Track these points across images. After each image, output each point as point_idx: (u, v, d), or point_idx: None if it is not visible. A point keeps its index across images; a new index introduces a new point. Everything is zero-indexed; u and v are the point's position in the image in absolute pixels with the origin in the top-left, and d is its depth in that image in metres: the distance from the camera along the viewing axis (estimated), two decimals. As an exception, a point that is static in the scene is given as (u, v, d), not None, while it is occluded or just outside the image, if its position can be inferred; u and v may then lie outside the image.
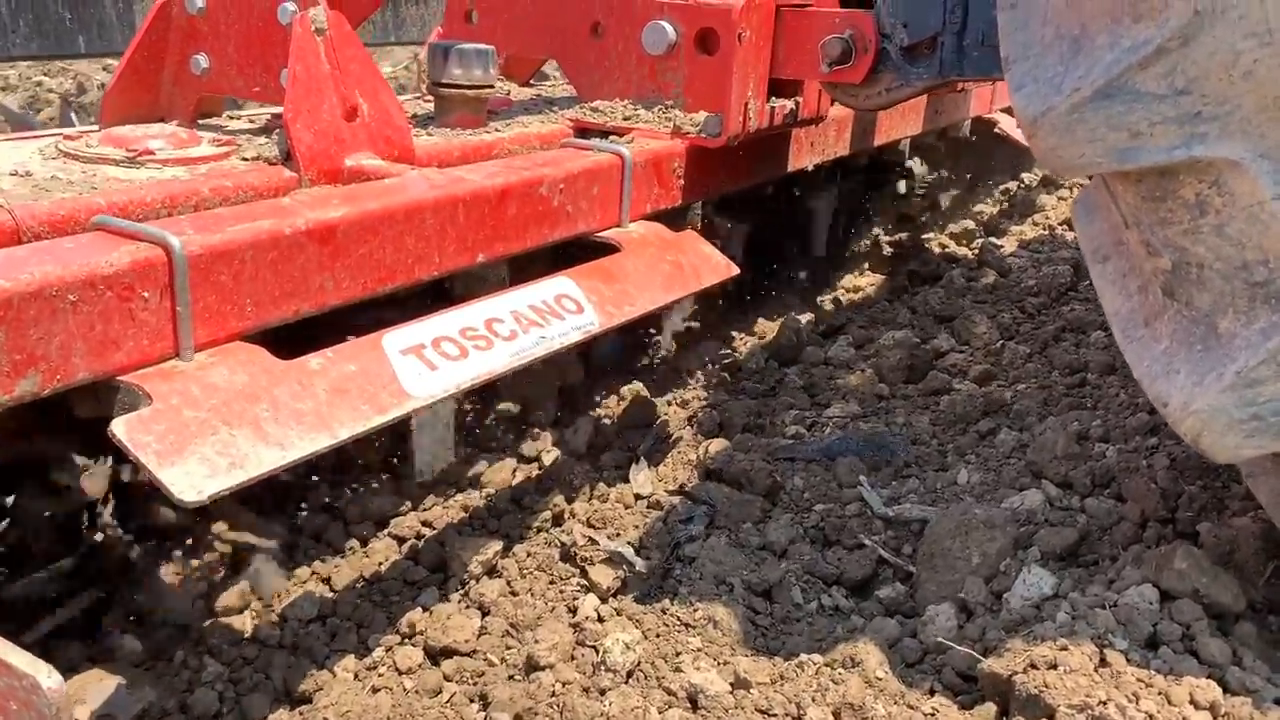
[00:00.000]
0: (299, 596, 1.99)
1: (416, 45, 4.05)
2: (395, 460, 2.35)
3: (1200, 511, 1.95)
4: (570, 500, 2.27)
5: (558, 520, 2.19)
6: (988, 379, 2.88)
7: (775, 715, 1.63)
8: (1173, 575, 1.73)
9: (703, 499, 2.24)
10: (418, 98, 2.80)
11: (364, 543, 2.16)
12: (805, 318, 3.46)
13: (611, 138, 2.38)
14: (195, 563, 2.03)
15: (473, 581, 2.01)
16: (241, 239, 1.44)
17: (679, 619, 1.85)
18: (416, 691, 1.75)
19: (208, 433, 1.30)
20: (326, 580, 2.06)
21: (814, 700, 1.64)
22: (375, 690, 1.75)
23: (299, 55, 1.88)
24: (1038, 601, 1.78)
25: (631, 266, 2.12)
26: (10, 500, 1.71)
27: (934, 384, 2.85)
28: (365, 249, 1.64)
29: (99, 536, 1.90)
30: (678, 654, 1.76)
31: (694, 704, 1.66)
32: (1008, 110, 4.38)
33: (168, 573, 2.00)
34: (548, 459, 2.45)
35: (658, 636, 1.82)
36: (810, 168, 3.06)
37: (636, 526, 2.14)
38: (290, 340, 1.54)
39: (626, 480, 2.34)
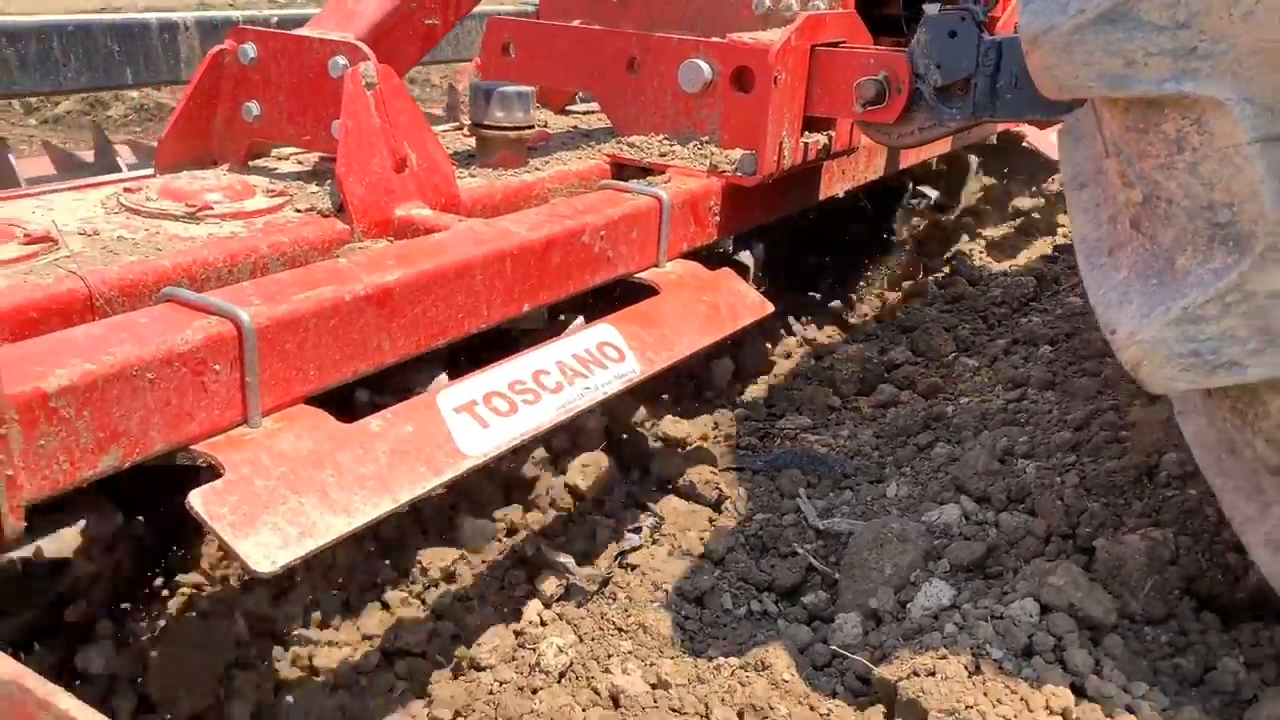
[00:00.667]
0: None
1: (450, 63, 4.08)
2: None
3: (1099, 528, 2.05)
4: (526, 511, 2.39)
5: (512, 531, 2.33)
6: (934, 392, 2.99)
7: (687, 714, 1.77)
8: (1051, 590, 1.84)
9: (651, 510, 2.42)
10: (456, 128, 2.86)
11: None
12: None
13: (649, 179, 2.43)
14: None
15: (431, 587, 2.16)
16: (305, 308, 1.50)
17: (614, 624, 1.99)
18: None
19: (278, 502, 1.36)
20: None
21: (722, 701, 1.79)
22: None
23: (350, 110, 1.94)
24: (935, 612, 1.89)
25: (670, 309, 2.17)
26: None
27: (882, 397, 2.98)
28: (419, 308, 1.70)
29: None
30: (609, 656, 1.91)
31: (615, 703, 1.81)
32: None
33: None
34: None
35: (593, 640, 1.96)
36: (841, 194, 3.11)
37: (587, 536, 2.32)
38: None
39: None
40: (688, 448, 2.72)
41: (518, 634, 1.99)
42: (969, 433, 2.63)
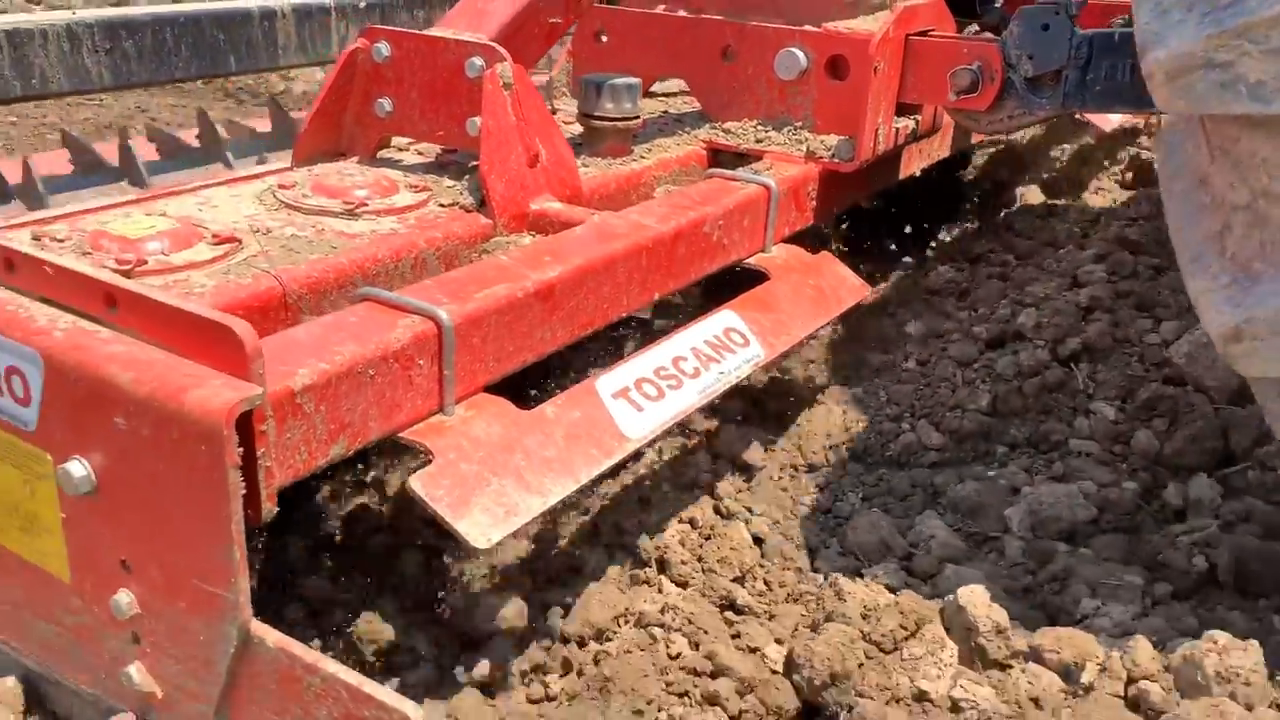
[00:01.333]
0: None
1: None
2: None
3: None
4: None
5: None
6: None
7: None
8: None
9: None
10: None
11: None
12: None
13: (752, 166, 2.54)
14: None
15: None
16: (488, 305, 1.63)
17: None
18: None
19: (482, 484, 1.50)
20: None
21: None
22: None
23: (490, 110, 2.06)
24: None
25: (781, 294, 2.30)
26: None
27: None
28: (575, 300, 1.83)
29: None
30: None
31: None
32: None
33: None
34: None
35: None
36: (918, 173, 3.21)
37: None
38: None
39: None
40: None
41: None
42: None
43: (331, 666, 1.26)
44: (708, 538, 2.09)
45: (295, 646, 1.29)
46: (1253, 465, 2.24)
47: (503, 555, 2.04)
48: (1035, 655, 1.74)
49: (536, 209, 2.11)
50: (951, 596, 1.82)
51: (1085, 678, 1.70)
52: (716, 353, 2.02)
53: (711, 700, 1.69)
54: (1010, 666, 1.74)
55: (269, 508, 1.33)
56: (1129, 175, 4.26)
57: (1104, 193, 4.22)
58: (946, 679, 1.69)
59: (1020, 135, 4.31)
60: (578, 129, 2.59)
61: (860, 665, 1.70)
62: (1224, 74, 1.51)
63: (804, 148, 2.62)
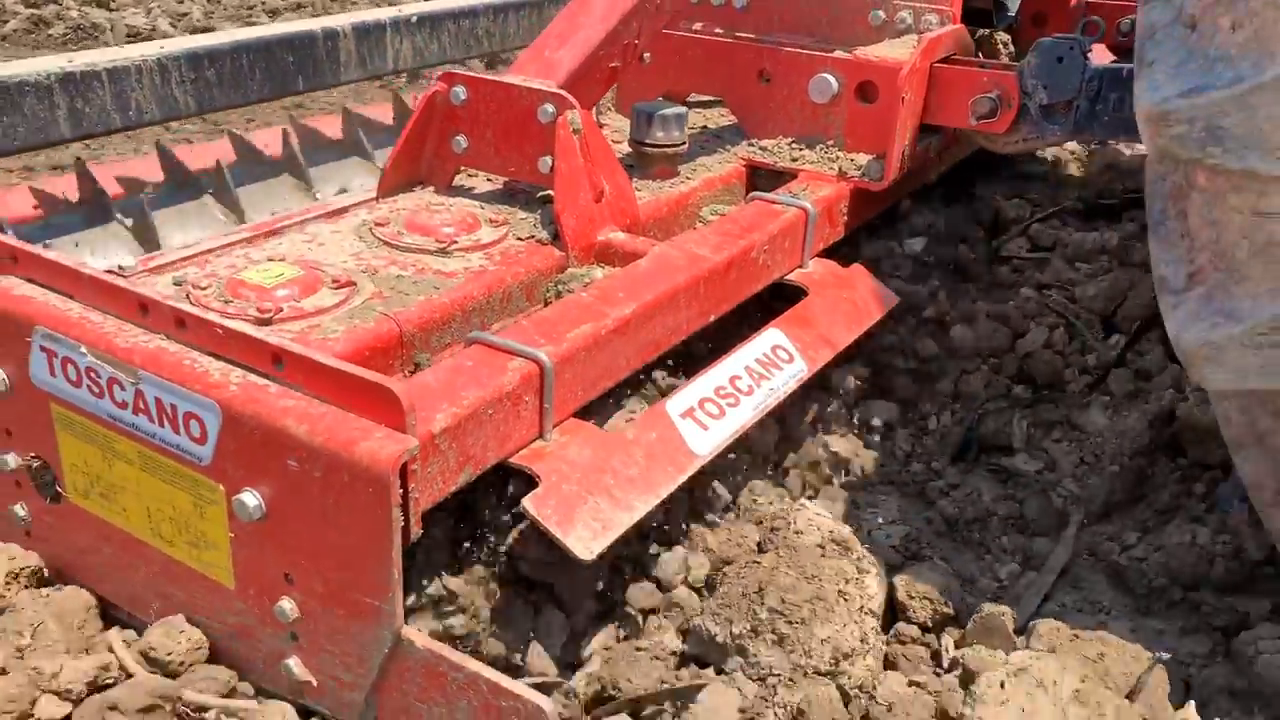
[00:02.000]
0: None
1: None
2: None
3: None
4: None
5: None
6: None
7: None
8: None
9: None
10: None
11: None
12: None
13: (790, 186, 2.77)
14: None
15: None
16: (579, 344, 1.89)
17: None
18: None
19: (582, 502, 1.77)
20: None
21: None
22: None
23: (562, 153, 2.30)
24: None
25: (819, 309, 2.55)
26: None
27: None
28: (646, 330, 2.08)
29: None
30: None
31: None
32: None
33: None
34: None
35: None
36: (934, 178, 3.44)
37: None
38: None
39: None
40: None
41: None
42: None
43: (474, 665, 1.53)
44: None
45: (442, 648, 1.57)
46: None
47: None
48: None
49: (602, 240, 2.36)
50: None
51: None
52: (766, 370, 2.27)
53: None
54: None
55: (416, 530, 1.60)
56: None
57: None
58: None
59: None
60: (625, 149, 2.83)
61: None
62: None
63: (836, 166, 2.85)
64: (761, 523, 2.20)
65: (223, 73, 3.01)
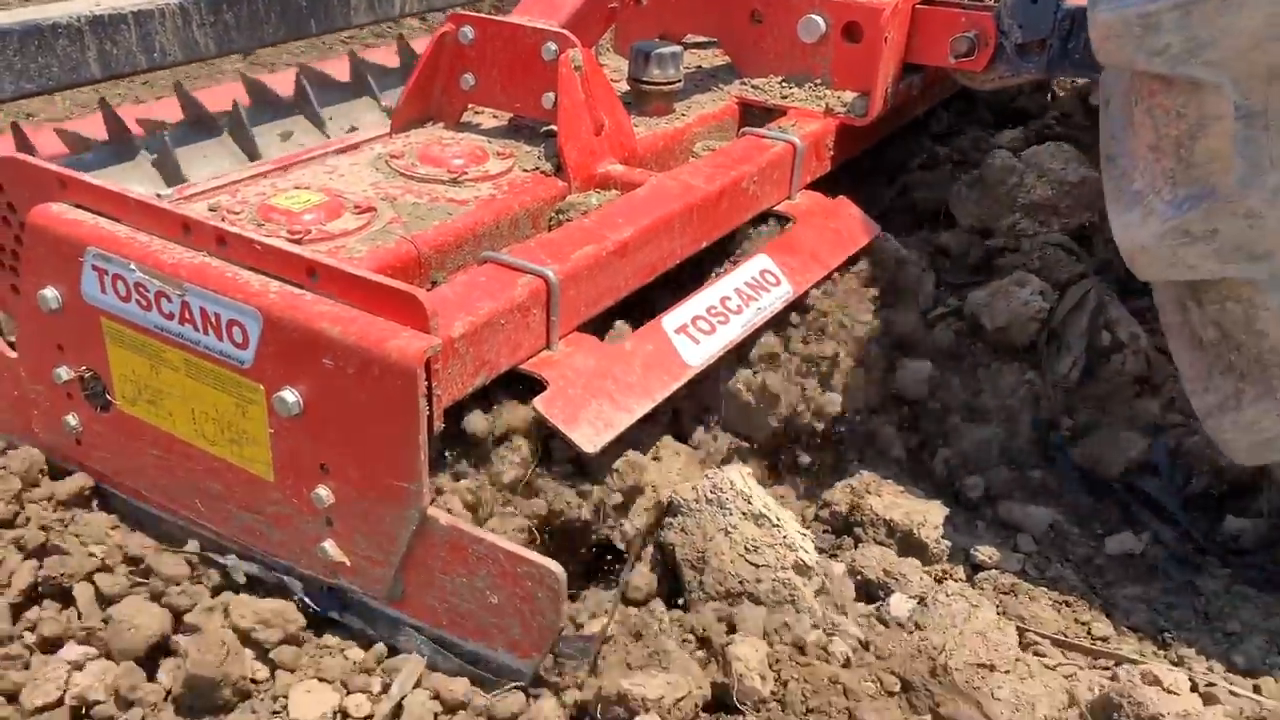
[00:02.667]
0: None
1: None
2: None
3: None
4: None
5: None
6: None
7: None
8: None
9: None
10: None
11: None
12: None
13: (779, 122, 2.93)
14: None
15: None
16: (582, 263, 2.07)
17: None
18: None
19: (586, 404, 1.96)
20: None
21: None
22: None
23: (565, 89, 2.46)
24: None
25: (805, 237, 2.72)
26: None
27: None
28: (643, 253, 2.27)
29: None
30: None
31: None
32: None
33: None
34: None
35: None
36: (920, 115, 3.60)
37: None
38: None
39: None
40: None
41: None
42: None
43: (491, 537, 1.74)
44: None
45: (463, 523, 1.77)
46: None
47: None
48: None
49: (602, 171, 2.53)
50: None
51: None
52: (755, 292, 2.46)
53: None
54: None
55: (439, 424, 1.79)
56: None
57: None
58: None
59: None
60: (624, 86, 2.98)
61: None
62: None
63: (823, 103, 3.01)
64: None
65: (240, 16, 3.15)
